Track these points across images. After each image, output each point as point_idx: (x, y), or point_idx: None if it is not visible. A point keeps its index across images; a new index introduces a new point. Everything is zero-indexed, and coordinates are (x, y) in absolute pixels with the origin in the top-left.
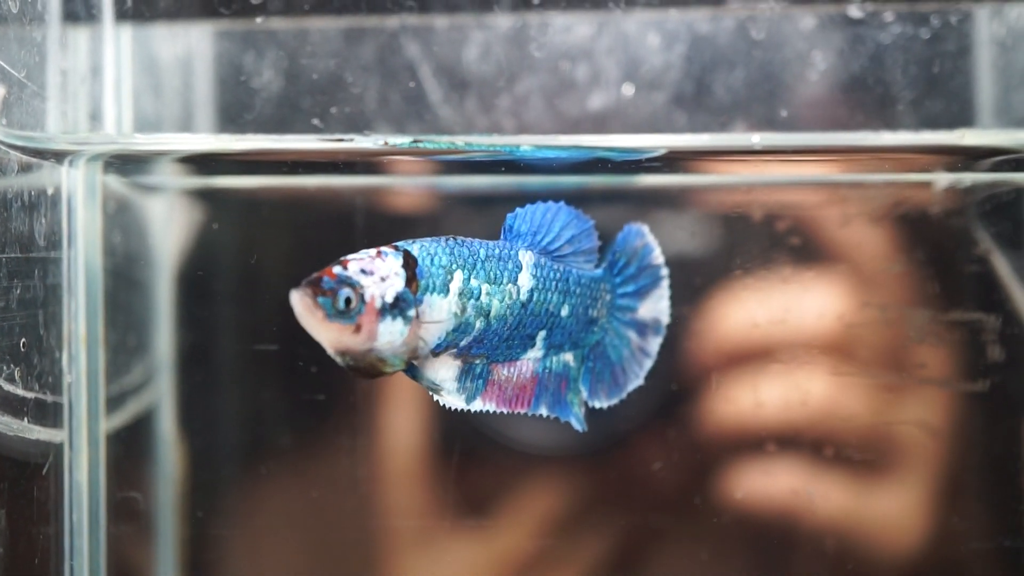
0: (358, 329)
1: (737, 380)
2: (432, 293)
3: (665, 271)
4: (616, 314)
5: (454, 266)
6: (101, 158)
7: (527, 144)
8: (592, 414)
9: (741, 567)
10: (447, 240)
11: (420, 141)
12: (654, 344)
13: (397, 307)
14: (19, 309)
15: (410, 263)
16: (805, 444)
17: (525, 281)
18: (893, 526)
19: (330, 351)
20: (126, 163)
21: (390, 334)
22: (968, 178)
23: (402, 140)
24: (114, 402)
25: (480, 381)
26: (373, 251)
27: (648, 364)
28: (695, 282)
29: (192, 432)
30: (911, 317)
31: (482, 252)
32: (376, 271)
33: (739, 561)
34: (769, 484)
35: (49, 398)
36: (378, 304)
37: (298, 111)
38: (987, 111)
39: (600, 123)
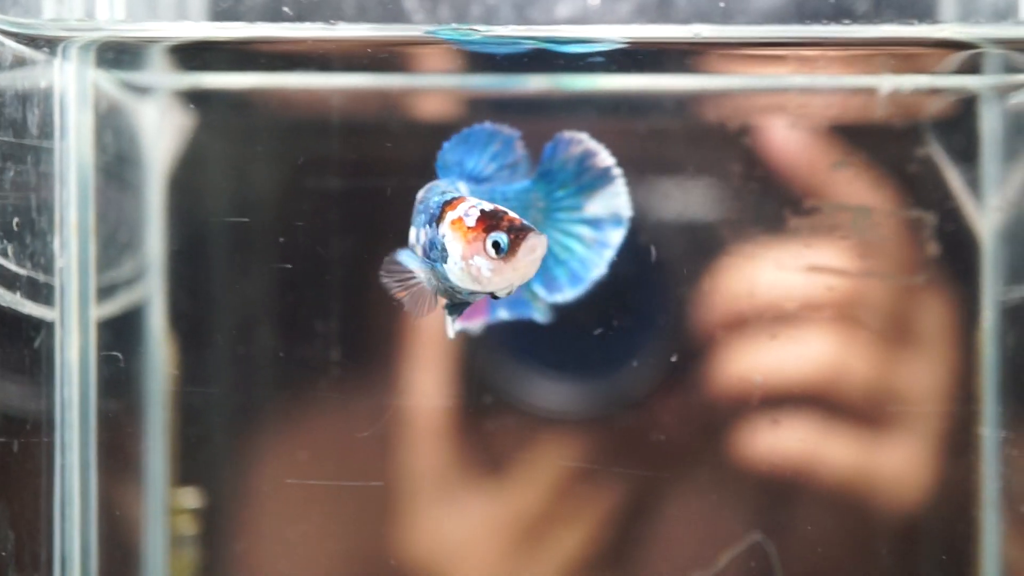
0: None
1: (743, 341)
2: None
3: (616, 171)
4: (558, 215)
5: None
6: (93, 46)
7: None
8: (604, 377)
9: (751, 524)
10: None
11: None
12: (614, 235)
13: None
14: (12, 190)
15: None
16: (812, 402)
17: None
18: (899, 481)
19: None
20: (118, 56)
21: None
22: (912, 82)
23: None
24: (105, 291)
25: (464, 305)
26: (471, 200)
27: (608, 253)
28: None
29: (182, 330)
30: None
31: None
32: None
33: (749, 518)
34: (777, 442)
35: (41, 278)
36: None
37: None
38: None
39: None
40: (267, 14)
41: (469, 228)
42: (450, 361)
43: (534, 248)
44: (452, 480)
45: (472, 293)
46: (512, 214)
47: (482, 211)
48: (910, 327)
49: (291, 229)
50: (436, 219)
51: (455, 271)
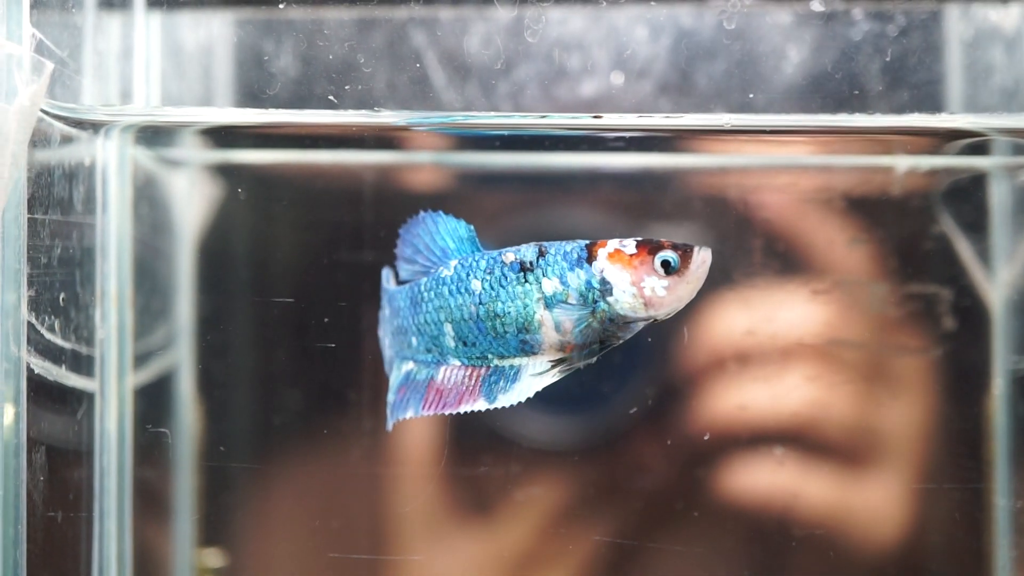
0: None
1: (727, 381)
2: None
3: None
4: None
5: None
6: (132, 129)
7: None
8: (591, 412)
9: (735, 559)
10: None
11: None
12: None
13: None
14: (59, 267)
15: None
16: (792, 442)
17: None
18: (877, 518)
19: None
20: (154, 135)
21: None
22: (927, 162)
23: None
24: (140, 360)
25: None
26: (614, 239)
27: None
28: None
29: (209, 393)
30: (871, 290)
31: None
32: None
33: (733, 554)
34: (760, 479)
35: (84, 350)
36: None
37: (312, 95)
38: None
39: (591, 109)
40: (297, 96)
41: (632, 255)
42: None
43: (705, 260)
44: (440, 520)
45: (626, 326)
46: (658, 240)
47: (638, 240)
48: (889, 371)
49: (318, 297)
50: (585, 260)
51: (625, 299)
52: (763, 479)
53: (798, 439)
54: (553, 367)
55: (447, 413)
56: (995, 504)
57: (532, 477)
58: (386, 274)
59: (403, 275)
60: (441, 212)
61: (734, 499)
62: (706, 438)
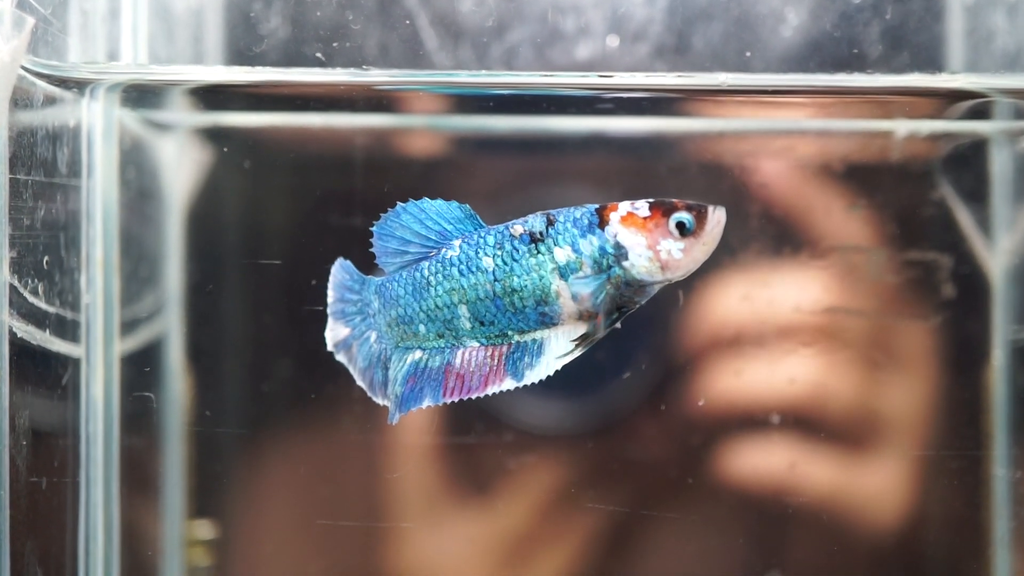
0: None
1: (728, 359)
2: None
3: None
4: None
5: None
6: (118, 88)
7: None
8: (590, 396)
9: (735, 541)
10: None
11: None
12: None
13: None
14: (43, 229)
15: None
16: (789, 409)
17: None
18: (875, 488)
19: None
20: (141, 97)
21: None
22: (927, 127)
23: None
24: (127, 326)
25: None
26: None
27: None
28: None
29: (198, 362)
30: (870, 256)
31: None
32: None
33: (733, 535)
34: (762, 460)
35: (69, 315)
36: None
37: (302, 56)
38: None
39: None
40: (287, 57)
41: (646, 218)
42: None
43: (720, 220)
44: (439, 500)
45: (642, 290)
46: (673, 200)
47: (650, 202)
48: (887, 339)
49: (309, 263)
50: (596, 225)
51: (641, 263)
52: (760, 448)
53: (794, 406)
54: (577, 346)
55: (473, 397)
56: (994, 475)
57: (526, 452)
58: (348, 266)
59: (390, 270)
60: (425, 199)
61: (733, 471)
62: (701, 404)
